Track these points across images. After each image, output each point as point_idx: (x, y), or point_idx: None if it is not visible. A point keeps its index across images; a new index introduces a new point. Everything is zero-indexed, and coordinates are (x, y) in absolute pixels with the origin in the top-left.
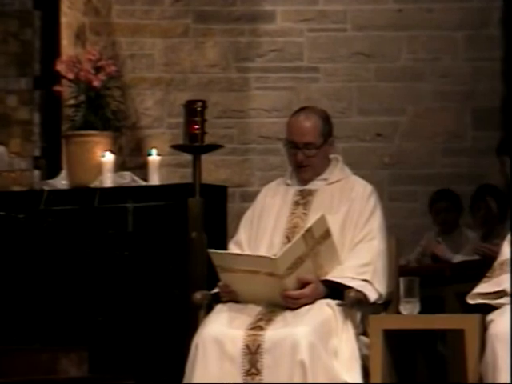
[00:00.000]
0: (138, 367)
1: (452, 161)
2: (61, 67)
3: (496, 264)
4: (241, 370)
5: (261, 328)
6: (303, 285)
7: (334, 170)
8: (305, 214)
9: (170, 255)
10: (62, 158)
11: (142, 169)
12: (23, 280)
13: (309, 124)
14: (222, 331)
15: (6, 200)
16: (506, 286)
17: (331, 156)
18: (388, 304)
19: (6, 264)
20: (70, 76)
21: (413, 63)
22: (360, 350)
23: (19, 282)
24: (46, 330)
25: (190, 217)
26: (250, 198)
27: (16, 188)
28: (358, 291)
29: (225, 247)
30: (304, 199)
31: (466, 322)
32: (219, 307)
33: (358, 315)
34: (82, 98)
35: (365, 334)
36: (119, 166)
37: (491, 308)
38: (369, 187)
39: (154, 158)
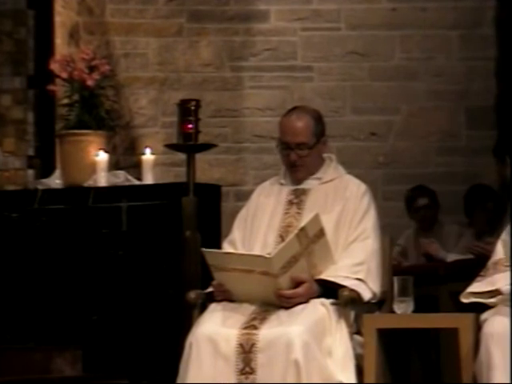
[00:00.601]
0: (132, 366)
1: (446, 160)
2: (55, 66)
3: (490, 263)
4: (235, 369)
5: (255, 327)
6: (297, 284)
7: (328, 170)
8: (299, 213)
9: (164, 254)
10: (56, 157)
11: (135, 168)
12: (17, 279)
13: (301, 124)
14: (215, 330)
15: (0, 199)
16: (499, 285)
17: (325, 155)
18: (382, 303)
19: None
20: (64, 75)
21: (407, 62)
22: (354, 349)
23: (13, 281)
24: (40, 329)
25: (184, 216)
26: (244, 197)
27: (10, 187)
28: (351, 290)
29: (219, 246)
30: (298, 198)
31: (460, 321)
32: (213, 306)
33: (352, 314)
34: (76, 97)
35: (359, 333)
36: (113, 166)
37: (485, 307)
38: (363, 186)
39: (147, 157)
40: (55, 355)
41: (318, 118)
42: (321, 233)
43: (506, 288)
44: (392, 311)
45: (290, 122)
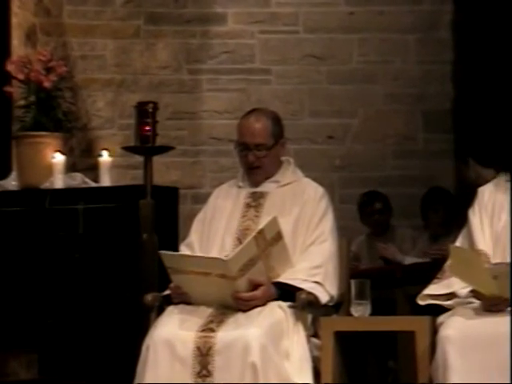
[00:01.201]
0: (89, 369)
1: (403, 163)
2: (11, 68)
3: (446, 266)
4: (191, 372)
5: (212, 330)
6: (255, 287)
7: (286, 173)
8: (256, 216)
9: (121, 257)
10: (13, 159)
11: (93, 170)
12: None
13: (259, 125)
14: (172, 333)
15: None
16: (455, 288)
17: (283, 158)
18: (339, 306)
19: None
20: (21, 77)
21: (364, 66)
22: (311, 351)
23: None
24: None
25: (141, 218)
26: (201, 199)
27: None
28: (309, 293)
29: (176, 249)
30: (256, 201)
31: (417, 324)
32: (170, 309)
33: (310, 317)
34: (33, 98)
35: (316, 335)
36: (70, 168)
37: (442, 309)
38: (320, 190)
39: (105, 159)
40: (11, 359)
41: (277, 120)
42: (278, 236)
43: (461, 291)
44: (349, 314)
45: (248, 123)
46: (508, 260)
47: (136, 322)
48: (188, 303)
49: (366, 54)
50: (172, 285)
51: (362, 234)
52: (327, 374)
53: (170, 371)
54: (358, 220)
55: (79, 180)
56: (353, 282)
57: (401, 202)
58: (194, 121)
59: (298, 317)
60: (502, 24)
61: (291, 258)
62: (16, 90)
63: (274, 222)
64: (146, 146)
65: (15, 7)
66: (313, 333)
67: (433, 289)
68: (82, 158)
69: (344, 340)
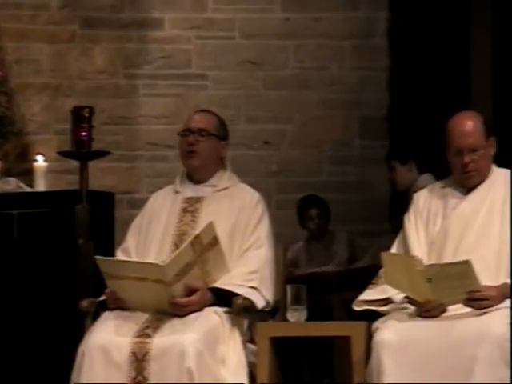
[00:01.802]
0: (25, 375)
1: (339, 169)
2: None
3: (381, 271)
4: (127, 378)
5: (148, 335)
6: (191, 292)
7: (223, 178)
8: (193, 221)
9: (57, 262)
10: None
11: (28, 175)
12: None
13: (205, 116)
14: (108, 339)
15: None
16: (391, 294)
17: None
18: (275, 311)
19: None
20: None
21: (300, 72)
22: (247, 357)
23: None
24: None
25: (77, 224)
26: (137, 204)
27: None
28: (245, 298)
29: (112, 254)
30: (192, 206)
31: (352, 330)
32: (106, 315)
33: (246, 322)
34: None
35: (252, 341)
36: (4, 173)
37: (377, 314)
38: (256, 195)
39: (40, 164)
40: None
41: (222, 122)
42: (215, 241)
43: (397, 296)
44: (285, 319)
45: (195, 114)
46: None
47: (71, 328)
48: (124, 309)
49: (301, 60)
50: (108, 290)
51: (299, 238)
52: (263, 380)
53: (106, 377)
54: (294, 225)
55: (14, 185)
56: (289, 288)
57: (337, 207)
58: (131, 126)
59: (234, 322)
60: (437, 31)
61: (227, 263)
62: None
63: (210, 227)
64: (81, 151)
65: None
66: (249, 338)
67: (368, 294)
68: (17, 163)
69: (280, 346)
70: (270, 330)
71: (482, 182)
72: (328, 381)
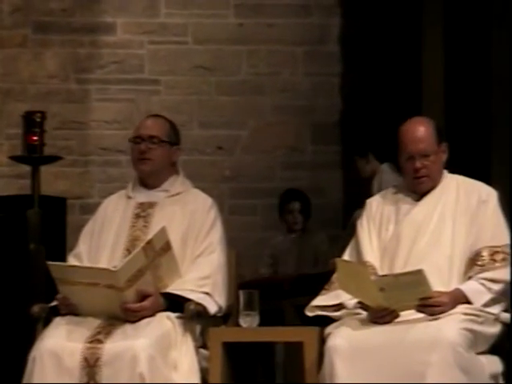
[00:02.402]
0: None
1: (291, 174)
2: None
3: (334, 277)
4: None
5: (99, 341)
6: (143, 297)
7: (175, 183)
8: (146, 226)
9: (8, 267)
10: None
11: None
12: None
13: (156, 121)
14: (59, 344)
15: None
16: (343, 299)
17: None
18: (228, 317)
19: None
20: None
21: (253, 77)
22: (200, 362)
23: None
24: None
25: (29, 228)
26: (89, 209)
27: None
28: (197, 304)
29: (64, 259)
30: (145, 212)
31: (305, 335)
32: (57, 320)
33: (198, 328)
34: None
35: (204, 346)
36: None
37: (330, 320)
38: (209, 200)
39: None
40: None
41: (174, 126)
42: (167, 246)
43: (349, 302)
44: (238, 325)
45: (145, 120)
46: (394, 270)
47: (22, 333)
48: (76, 314)
49: (254, 65)
50: (59, 295)
51: (249, 244)
52: None
53: (57, 383)
54: (247, 231)
55: None
56: (241, 293)
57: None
58: (83, 131)
59: (187, 328)
60: (389, 37)
61: (180, 269)
62: None
63: (162, 232)
64: (33, 156)
65: None
66: (201, 344)
67: (321, 300)
68: None
69: (232, 351)
70: (222, 335)
71: (433, 187)
72: None
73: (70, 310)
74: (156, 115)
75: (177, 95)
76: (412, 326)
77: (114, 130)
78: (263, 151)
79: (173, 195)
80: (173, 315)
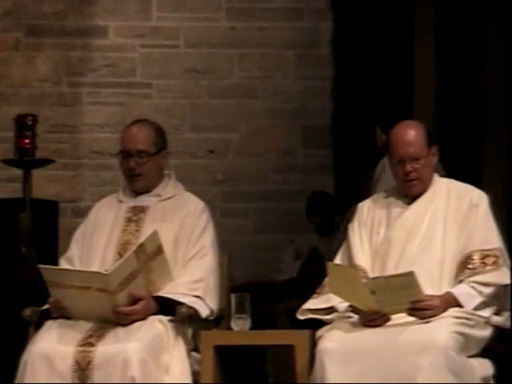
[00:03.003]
0: None
1: (283, 178)
2: None
3: (325, 281)
4: None
5: (91, 344)
6: (135, 301)
7: (167, 187)
8: (137, 230)
9: (0, 271)
10: None
11: None
12: None
13: (141, 133)
14: (51, 348)
15: None
16: (335, 303)
17: (165, 172)
18: (220, 320)
19: None
20: None
21: (245, 81)
22: (191, 365)
23: None
24: None
25: (21, 232)
26: (81, 213)
27: None
28: (189, 307)
29: (56, 263)
30: (136, 216)
31: (296, 338)
32: (49, 323)
33: (190, 331)
34: None
35: (196, 350)
36: None
37: (321, 323)
38: (201, 204)
39: None
40: None
41: (160, 131)
42: (159, 250)
43: (341, 305)
44: (229, 328)
45: (130, 131)
46: (386, 274)
47: (14, 337)
48: (67, 318)
49: (246, 68)
50: (51, 299)
51: (241, 247)
52: None
53: None
54: (239, 234)
55: None
56: (233, 296)
57: (281, 216)
58: (75, 134)
59: (179, 331)
60: (381, 41)
61: (172, 272)
62: None
63: (154, 235)
64: (25, 159)
65: None
66: (193, 347)
67: (312, 303)
68: None
69: (224, 354)
70: (214, 338)
71: (424, 191)
72: None
73: (62, 314)
74: (140, 121)
75: (169, 99)
76: (403, 330)
77: (106, 134)
78: (255, 154)
79: (165, 199)
80: (165, 318)
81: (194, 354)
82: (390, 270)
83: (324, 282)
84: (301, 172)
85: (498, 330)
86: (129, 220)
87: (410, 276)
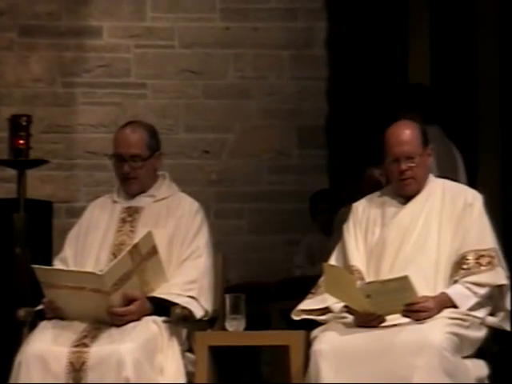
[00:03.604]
0: None
1: (278, 178)
2: None
3: (320, 281)
4: None
5: (85, 345)
6: (129, 301)
7: (161, 187)
8: (132, 231)
9: None
10: None
11: None
12: None
13: (135, 136)
14: (45, 348)
15: None
16: (330, 303)
17: (159, 173)
18: (214, 321)
19: None
20: None
21: (240, 81)
22: (186, 366)
23: None
24: None
25: (15, 232)
26: (76, 213)
27: None
28: (183, 308)
29: (50, 263)
30: (131, 216)
31: (291, 339)
32: (43, 324)
33: (184, 332)
34: None
35: (191, 350)
36: None
37: (316, 324)
38: (195, 204)
39: None
40: None
41: (153, 132)
42: (153, 250)
43: (336, 305)
44: (224, 329)
45: (124, 134)
46: (381, 274)
47: (8, 338)
48: (62, 318)
49: (241, 69)
50: (45, 299)
51: (236, 248)
52: None
53: None
54: (233, 235)
55: None
56: (227, 297)
57: (275, 217)
58: (69, 134)
59: (173, 332)
60: (375, 41)
61: (166, 273)
62: None
63: (148, 236)
64: (19, 160)
65: None
66: (187, 348)
67: (307, 304)
68: None
69: (219, 355)
70: (208, 339)
71: (419, 191)
72: None
73: (56, 314)
74: (133, 123)
75: (163, 99)
76: (398, 330)
77: (101, 134)
78: (250, 155)
79: (159, 200)
80: (159, 319)
81: (189, 354)
82: (385, 271)
83: (319, 282)
84: (295, 172)
85: (493, 331)
86: (123, 221)
87: (404, 280)
